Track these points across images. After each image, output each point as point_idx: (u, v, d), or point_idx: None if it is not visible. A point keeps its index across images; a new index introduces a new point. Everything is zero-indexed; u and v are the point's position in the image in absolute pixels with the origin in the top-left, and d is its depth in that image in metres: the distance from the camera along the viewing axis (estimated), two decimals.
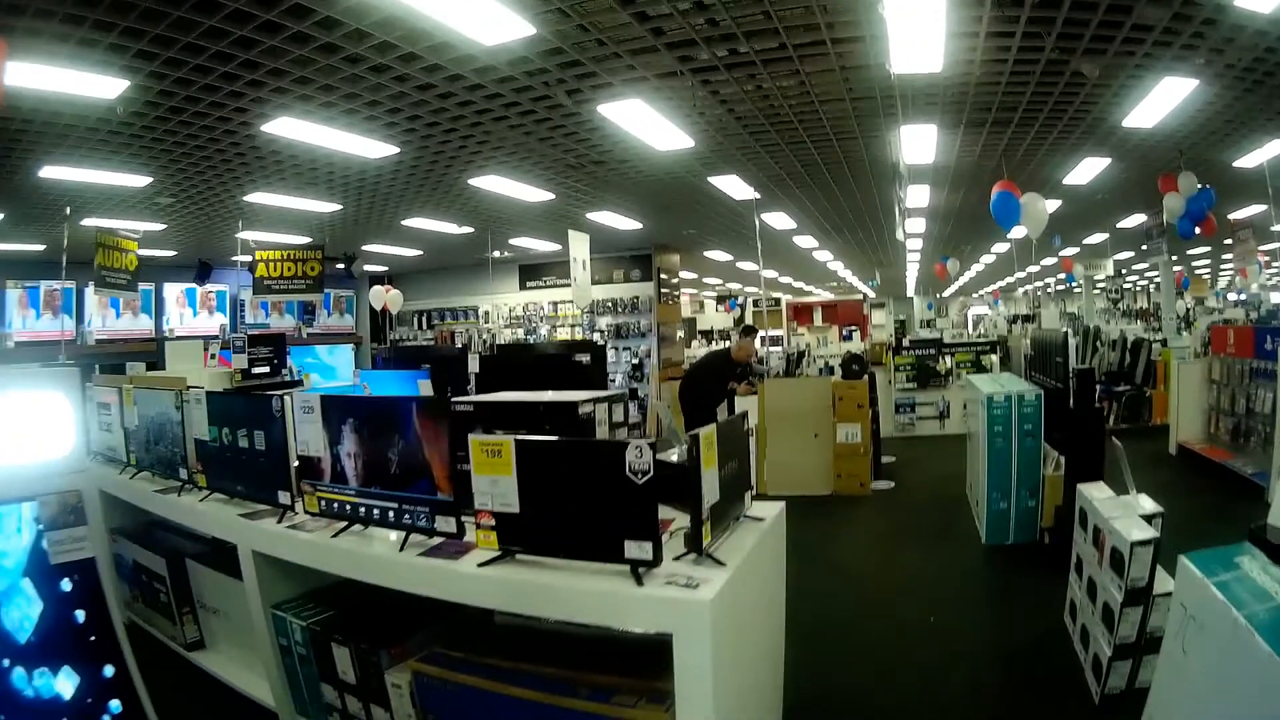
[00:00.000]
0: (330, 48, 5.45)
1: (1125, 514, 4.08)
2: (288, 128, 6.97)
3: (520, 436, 2.63)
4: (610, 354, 16.24)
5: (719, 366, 9.17)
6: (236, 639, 4.17)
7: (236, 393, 4.13)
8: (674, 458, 2.95)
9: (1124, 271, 26.82)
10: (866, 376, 9.54)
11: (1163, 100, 7.21)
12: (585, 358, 4.64)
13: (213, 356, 11.12)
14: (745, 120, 7.75)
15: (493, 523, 2.66)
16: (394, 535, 3.07)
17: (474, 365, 5.04)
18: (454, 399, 3.20)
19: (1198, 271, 29.38)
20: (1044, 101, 7.35)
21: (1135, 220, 14.82)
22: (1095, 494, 4.55)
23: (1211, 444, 9.36)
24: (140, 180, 8.54)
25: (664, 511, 2.54)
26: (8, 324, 13.12)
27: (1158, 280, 26.68)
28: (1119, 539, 3.85)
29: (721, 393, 8.79)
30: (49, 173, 7.89)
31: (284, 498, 3.59)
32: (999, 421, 6.63)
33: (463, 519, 2.85)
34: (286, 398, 3.54)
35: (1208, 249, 21.54)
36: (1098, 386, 9.81)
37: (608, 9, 5.16)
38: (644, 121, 7.43)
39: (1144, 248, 15.55)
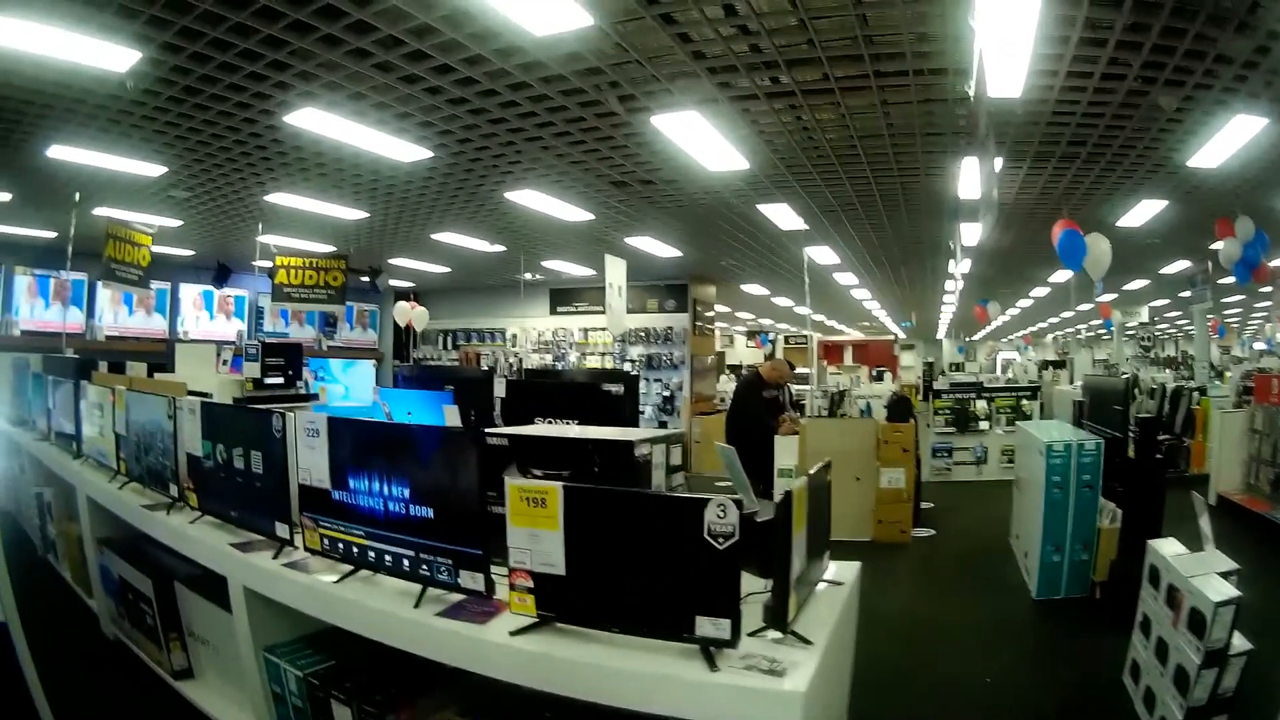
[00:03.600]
0: (362, 27, 4.95)
1: (1203, 572, 3.84)
2: (313, 120, 6.50)
3: (570, 484, 2.18)
4: (640, 385, 15.69)
5: (755, 389, 8.77)
6: (227, 673, 3.72)
7: (234, 406, 3.75)
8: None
9: (1156, 319, 26.43)
10: (912, 420, 9.18)
11: (1230, 139, 6.88)
12: (617, 388, 4.27)
13: (225, 363, 10.71)
14: (807, 146, 7.37)
15: (530, 584, 2.21)
16: (408, 585, 2.62)
17: (500, 389, 4.68)
18: (485, 430, 2.74)
19: (1227, 320, 28.95)
20: (1115, 136, 6.97)
21: (1177, 266, 14.52)
22: (1168, 550, 4.27)
23: (1251, 494, 9.04)
24: (154, 169, 8.07)
25: None
26: (14, 311, 12.65)
27: (1188, 328, 26.35)
28: (1200, 599, 3.62)
29: (768, 417, 8.39)
30: (57, 153, 7.41)
31: (282, 530, 3.17)
32: (1058, 471, 6.21)
33: (492, 575, 2.40)
34: (290, 416, 3.10)
35: (1240, 297, 21.15)
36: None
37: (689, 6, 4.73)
38: (699, 138, 6.93)
39: (1188, 294, 15.28)
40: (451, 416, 3.79)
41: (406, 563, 2.61)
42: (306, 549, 3.02)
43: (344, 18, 4.80)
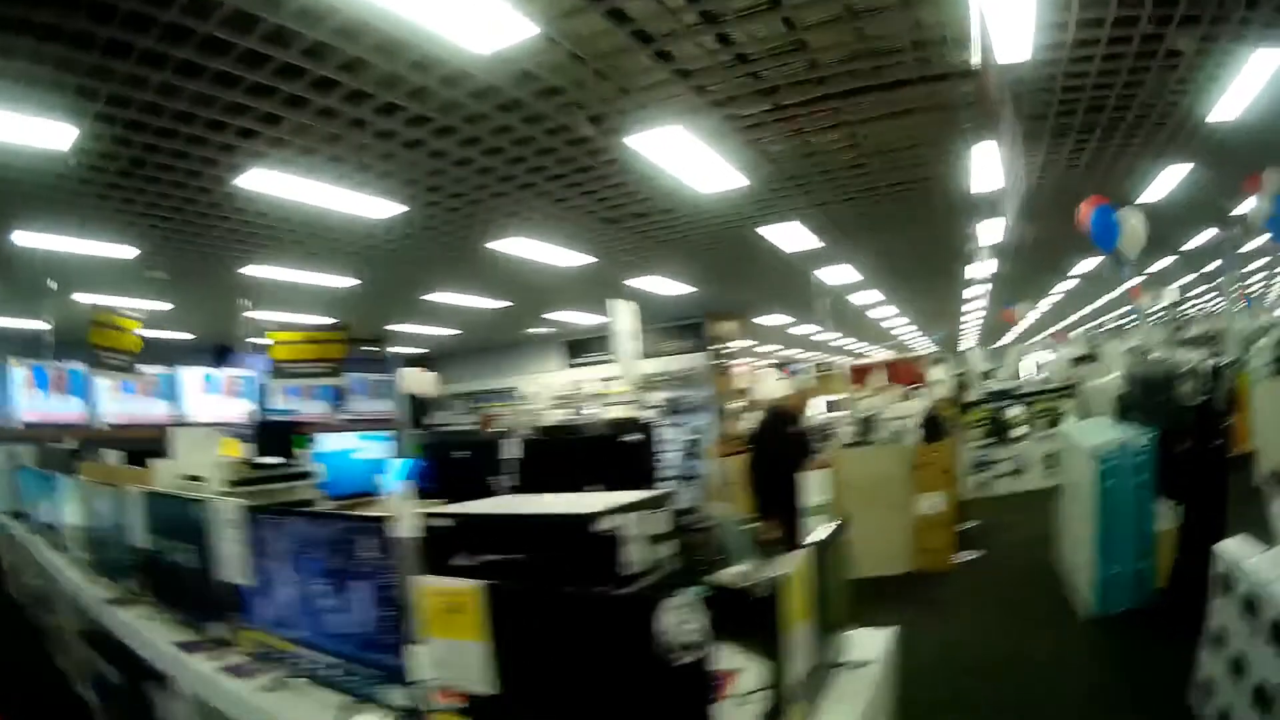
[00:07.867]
0: (290, 70, 4.63)
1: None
2: (265, 181, 6.20)
3: (492, 583, 1.73)
4: (669, 431, 15.30)
5: (776, 427, 8.28)
6: None
7: (161, 495, 3.46)
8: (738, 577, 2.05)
9: (1183, 297, 25.97)
10: (949, 437, 8.80)
11: (1250, 83, 6.50)
12: (635, 437, 4.06)
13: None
14: (809, 153, 7.02)
15: (461, 704, 1.77)
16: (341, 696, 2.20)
17: (514, 450, 4.42)
18: (428, 512, 2.30)
19: (1250, 291, 28.51)
20: (1133, 95, 6.60)
21: (1203, 238, 14.26)
22: (1239, 552, 3.82)
23: None
24: (126, 251, 7.83)
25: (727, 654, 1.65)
26: (12, 402, 12.32)
27: (1215, 303, 25.85)
28: None
29: (795, 455, 7.96)
30: (23, 239, 7.17)
31: (218, 630, 2.82)
32: (1110, 475, 5.72)
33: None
34: (213, 505, 2.72)
35: (1264, 260, 20.82)
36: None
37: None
38: (687, 156, 6.48)
39: (1219, 263, 15.34)
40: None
41: (332, 672, 2.19)
42: (243, 651, 2.64)
43: (269, 62, 4.52)
